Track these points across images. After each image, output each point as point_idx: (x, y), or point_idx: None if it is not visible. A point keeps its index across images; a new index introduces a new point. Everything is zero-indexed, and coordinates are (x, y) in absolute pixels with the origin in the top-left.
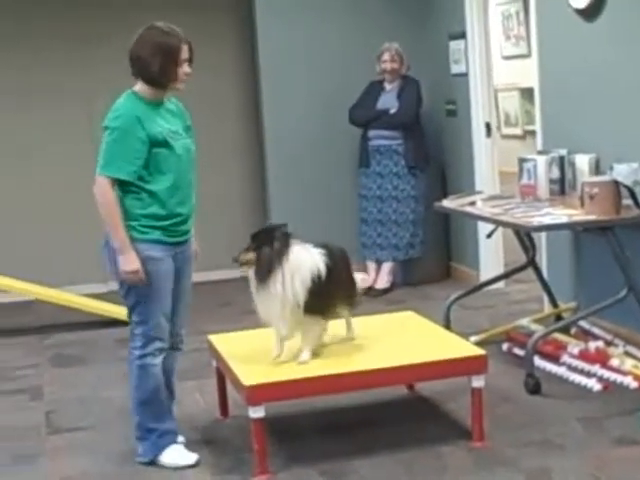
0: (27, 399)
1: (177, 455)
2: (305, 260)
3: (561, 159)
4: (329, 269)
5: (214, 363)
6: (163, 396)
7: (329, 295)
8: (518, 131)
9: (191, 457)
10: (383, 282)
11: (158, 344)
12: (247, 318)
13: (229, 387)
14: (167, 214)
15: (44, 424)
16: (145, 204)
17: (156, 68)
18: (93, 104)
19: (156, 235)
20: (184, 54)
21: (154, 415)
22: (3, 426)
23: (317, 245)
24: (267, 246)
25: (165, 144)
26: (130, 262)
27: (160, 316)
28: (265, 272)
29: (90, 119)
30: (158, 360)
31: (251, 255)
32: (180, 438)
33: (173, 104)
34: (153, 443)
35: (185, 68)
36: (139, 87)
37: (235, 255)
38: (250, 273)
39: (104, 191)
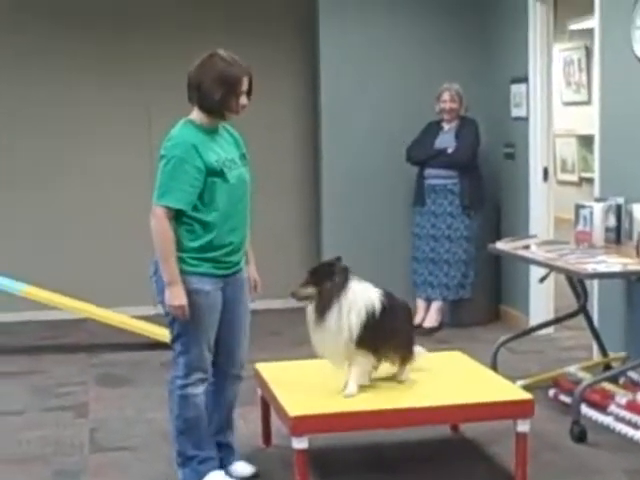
0: (72, 416)
1: None
2: (362, 295)
3: (618, 207)
4: (384, 308)
5: (259, 392)
6: (204, 425)
7: (382, 333)
8: (574, 178)
9: None
10: (432, 321)
11: (200, 375)
12: (295, 349)
13: (273, 417)
14: (218, 244)
15: (87, 442)
16: (197, 235)
17: (217, 98)
18: (152, 121)
19: (205, 268)
20: (244, 85)
21: (194, 443)
22: (47, 441)
23: (381, 289)
24: (328, 280)
25: (221, 173)
26: (177, 297)
27: (203, 347)
28: (326, 306)
29: (149, 137)
30: (199, 390)
31: (310, 290)
32: (250, 469)
33: (229, 132)
34: (193, 469)
35: (243, 100)
36: (195, 114)
37: (294, 290)
38: (308, 307)
39: (160, 221)
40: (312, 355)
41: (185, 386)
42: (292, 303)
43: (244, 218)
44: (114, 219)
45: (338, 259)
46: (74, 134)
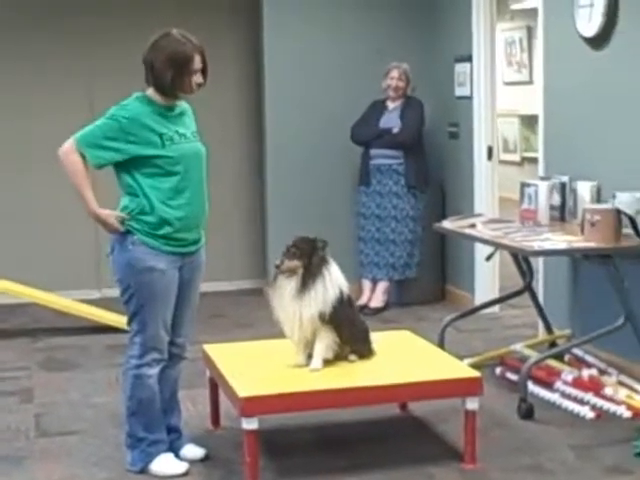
0: (17, 401)
1: (167, 464)
2: (338, 273)
3: (562, 185)
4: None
5: (207, 373)
6: (156, 407)
7: (346, 315)
8: (516, 157)
9: (181, 466)
10: (378, 301)
11: (155, 355)
12: (239, 331)
13: (221, 398)
14: (167, 219)
15: (33, 427)
16: (145, 209)
17: (168, 78)
18: (95, 106)
19: (159, 243)
20: (197, 64)
21: (145, 425)
22: None
23: None
24: (315, 254)
25: (164, 146)
26: (107, 225)
27: (159, 327)
28: (313, 278)
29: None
30: (154, 371)
31: (296, 262)
32: (200, 451)
33: (183, 108)
34: (142, 451)
35: (197, 78)
36: (151, 92)
37: (277, 262)
38: (282, 281)
39: (68, 154)
40: (257, 336)
41: (140, 366)
42: (234, 285)
43: (198, 194)
44: (57, 202)
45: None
46: (14, 118)
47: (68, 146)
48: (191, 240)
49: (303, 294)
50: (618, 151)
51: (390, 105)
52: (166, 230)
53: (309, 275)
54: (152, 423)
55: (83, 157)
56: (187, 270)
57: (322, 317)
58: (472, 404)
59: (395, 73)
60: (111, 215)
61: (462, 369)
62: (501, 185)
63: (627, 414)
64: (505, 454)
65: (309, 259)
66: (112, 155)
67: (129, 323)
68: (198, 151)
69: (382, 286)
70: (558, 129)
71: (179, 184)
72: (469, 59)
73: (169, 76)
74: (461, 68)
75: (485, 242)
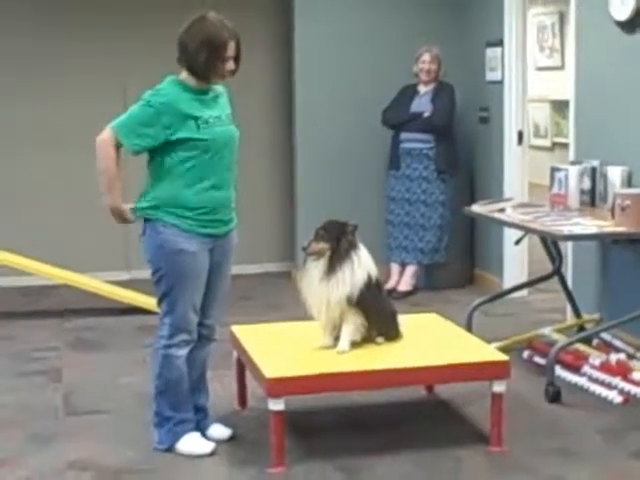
0: (46, 381)
1: (193, 443)
2: (367, 257)
3: (593, 170)
4: (377, 278)
5: (235, 354)
6: (184, 387)
7: (374, 299)
8: (547, 143)
9: (207, 446)
10: (406, 285)
11: (184, 336)
12: (267, 313)
13: (248, 379)
14: (200, 199)
15: (62, 406)
16: (177, 191)
17: (202, 61)
18: (128, 90)
19: (189, 225)
20: (230, 51)
21: (172, 404)
22: (21, 406)
23: None
24: (343, 237)
25: (199, 129)
26: (125, 220)
27: (188, 308)
28: (340, 261)
29: (124, 106)
30: (182, 352)
31: (322, 245)
32: (226, 432)
33: (218, 92)
34: (169, 430)
35: (230, 65)
36: (184, 76)
37: (305, 244)
38: (310, 263)
39: (106, 144)
40: (285, 319)
41: (169, 346)
42: (263, 268)
43: (228, 176)
44: (89, 185)
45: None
46: (49, 102)
47: (105, 136)
48: (223, 221)
49: (331, 277)
50: None
51: (421, 89)
52: (196, 212)
53: (337, 258)
54: (179, 402)
55: (119, 145)
56: (218, 253)
57: (350, 300)
58: (499, 387)
59: (427, 57)
60: (127, 210)
61: (489, 352)
62: (531, 170)
63: None
64: (532, 437)
65: (337, 242)
66: (149, 141)
67: (159, 304)
68: (232, 134)
69: (411, 270)
70: (589, 114)
71: (210, 166)
72: (500, 44)
73: (202, 59)
74: (492, 53)
75: (514, 226)
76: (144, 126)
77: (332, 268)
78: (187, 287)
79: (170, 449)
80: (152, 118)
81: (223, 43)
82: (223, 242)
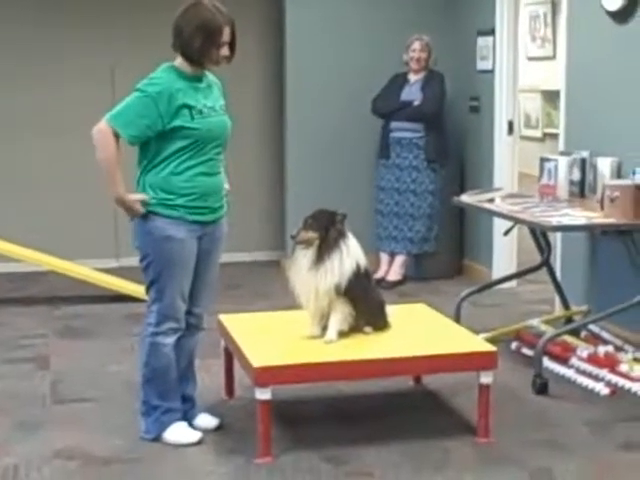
0: (34, 368)
1: (180, 433)
2: (356, 246)
3: (583, 161)
4: (366, 267)
5: (222, 343)
6: (171, 376)
7: (362, 288)
8: (538, 133)
9: (194, 435)
10: (395, 274)
11: (172, 324)
12: (255, 302)
13: (236, 368)
14: (190, 187)
15: (49, 394)
16: (167, 179)
17: (196, 46)
18: (116, 75)
19: (179, 213)
20: (225, 36)
21: (159, 392)
22: (8, 393)
23: None
24: (332, 226)
25: (193, 119)
26: (130, 210)
27: (176, 296)
28: (329, 250)
29: (112, 93)
30: (170, 340)
31: (311, 234)
32: (213, 421)
33: (210, 80)
34: (156, 419)
35: (224, 50)
36: (179, 62)
37: (293, 233)
38: (299, 252)
39: (103, 135)
40: (273, 308)
41: (156, 334)
42: (252, 257)
43: (219, 164)
44: (77, 172)
45: (336, 211)
46: (36, 87)
47: (102, 126)
48: (212, 208)
49: (319, 266)
50: (639, 127)
51: (412, 78)
52: (186, 199)
53: (325, 247)
54: (167, 391)
55: (117, 136)
56: (207, 240)
57: (338, 289)
58: (486, 378)
59: (417, 45)
60: (137, 200)
61: (477, 343)
62: (522, 161)
63: None
64: (519, 429)
65: (326, 231)
66: (145, 131)
67: (147, 291)
68: (224, 124)
69: (400, 260)
70: (580, 104)
71: (201, 154)
72: (492, 33)
73: (197, 44)
74: (483, 42)
75: (503, 217)
76: (141, 116)
77: (321, 257)
78: (175, 274)
79: (157, 438)
80: (149, 108)
81: (218, 28)
82: (212, 230)
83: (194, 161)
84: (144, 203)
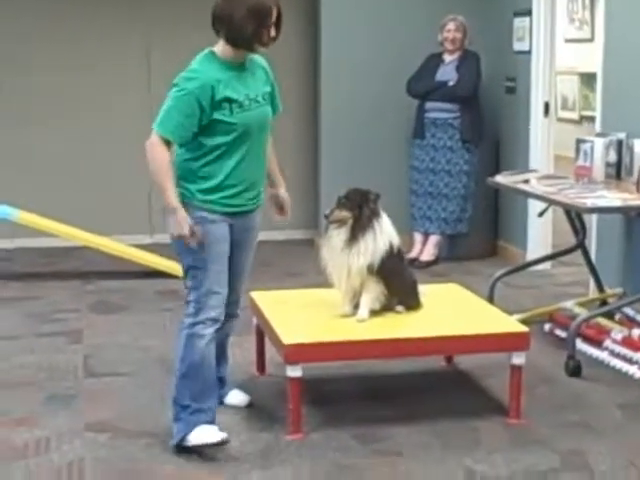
0: (66, 342)
1: (205, 434)
2: (389, 226)
3: (619, 142)
4: (399, 247)
5: (254, 320)
6: (207, 374)
7: (396, 268)
8: (574, 115)
9: (218, 435)
10: (429, 254)
11: (211, 313)
12: (287, 280)
13: (267, 345)
14: (226, 181)
15: (81, 367)
16: (202, 167)
17: (249, 31)
18: (151, 54)
19: (212, 205)
20: (274, 17)
21: (192, 393)
22: (41, 366)
23: None
24: (365, 206)
25: (235, 112)
26: (177, 225)
27: (214, 283)
28: (363, 229)
29: (148, 72)
30: (208, 331)
31: (345, 213)
32: (245, 398)
33: (257, 64)
34: (184, 420)
35: (272, 32)
36: (221, 48)
37: (327, 212)
38: (332, 231)
39: (153, 147)
40: (306, 286)
41: (194, 324)
42: (286, 235)
43: (260, 158)
44: (112, 149)
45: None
46: (72, 68)
47: (154, 139)
48: (247, 199)
49: (352, 245)
50: None
51: (447, 58)
52: (222, 193)
53: (359, 227)
54: (201, 392)
55: (168, 142)
56: (237, 231)
57: (370, 269)
58: (518, 359)
59: (452, 25)
60: (186, 218)
61: (510, 323)
62: (559, 143)
63: None
64: (551, 411)
65: (359, 210)
66: (193, 129)
67: (184, 279)
68: (265, 116)
69: (433, 240)
70: (617, 86)
71: (239, 145)
72: (529, 13)
73: (250, 29)
74: (520, 22)
75: (538, 198)
76: (186, 117)
77: (354, 236)
78: (210, 256)
79: (182, 441)
80: (192, 106)
81: (269, 10)
82: (242, 220)
83: (232, 153)
84: (191, 232)
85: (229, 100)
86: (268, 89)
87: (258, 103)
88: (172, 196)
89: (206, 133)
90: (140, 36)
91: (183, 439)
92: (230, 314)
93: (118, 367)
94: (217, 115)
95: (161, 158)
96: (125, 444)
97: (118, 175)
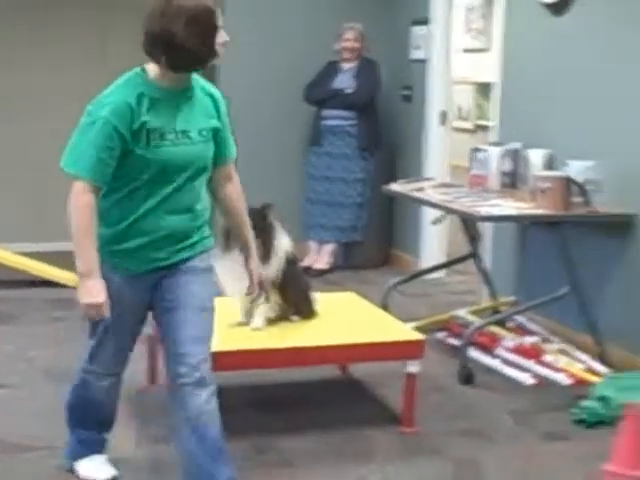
0: None
1: (93, 467)
2: (284, 236)
3: (515, 152)
4: (293, 257)
5: (144, 329)
6: (95, 412)
7: (291, 275)
8: (469, 125)
9: (107, 472)
10: (323, 263)
11: (99, 368)
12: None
13: (161, 354)
14: (131, 232)
15: None
16: (110, 218)
17: (198, 47)
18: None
19: (115, 260)
20: (219, 19)
21: (79, 421)
22: None
23: None
24: (259, 221)
25: (157, 142)
26: (90, 293)
27: (106, 338)
28: (264, 246)
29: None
30: (102, 384)
31: None
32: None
33: (204, 92)
34: (72, 446)
35: (221, 36)
36: (154, 68)
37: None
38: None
39: (80, 196)
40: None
41: (84, 371)
42: None
43: (188, 208)
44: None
45: (267, 205)
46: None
47: (78, 188)
48: (162, 258)
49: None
50: (572, 119)
51: (345, 66)
52: (126, 245)
53: (259, 242)
54: (85, 422)
55: (97, 188)
56: (171, 278)
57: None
58: (413, 367)
59: (350, 35)
60: (103, 285)
61: (404, 332)
62: (454, 152)
63: (567, 382)
64: (444, 418)
65: (255, 229)
66: (114, 163)
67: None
68: (197, 156)
69: (328, 248)
70: (514, 96)
71: (142, 193)
72: (426, 22)
73: (198, 43)
74: (418, 31)
75: (433, 206)
76: (107, 149)
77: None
78: (109, 321)
79: (71, 469)
80: (112, 137)
81: (212, 12)
82: (170, 272)
83: (146, 198)
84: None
85: (147, 128)
86: (214, 124)
87: (190, 139)
88: (92, 257)
89: (119, 168)
90: (97, 37)
91: (72, 463)
92: (183, 380)
93: (2, 378)
94: (131, 146)
95: (88, 207)
96: (9, 458)
97: (3, 181)
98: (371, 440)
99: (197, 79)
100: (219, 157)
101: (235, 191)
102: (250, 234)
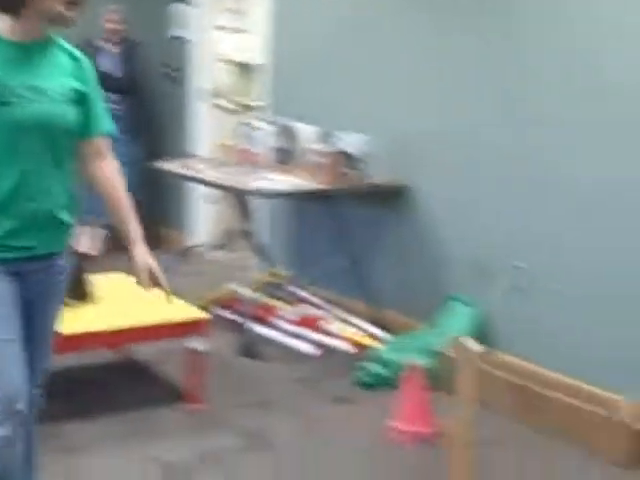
0: None
1: None
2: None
3: (286, 128)
4: None
5: None
6: None
7: None
8: (231, 104)
9: None
10: (88, 246)
11: None
12: None
13: None
14: None
15: None
16: None
17: None
18: None
19: None
20: None
21: None
22: None
23: None
24: None
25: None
26: None
27: None
28: None
29: None
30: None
31: None
32: None
33: (65, 51)
34: None
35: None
36: (2, 23)
37: None
38: None
39: None
40: None
41: None
42: None
43: (54, 179)
44: None
45: None
46: None
47: None
48: (27, 247)
49: None
50: (344, 94)
51: (107, 47)
52: None
53: None
54: None
55: None
56: (28, 287)
57: None
58: (197, 344)
59: (112, 16)
60: None
61: (186, 310)
62: (220, 131)
63: (347, 348)
64: (231, 393)
65: None
66: None
67: None
68: (59, 118)
69: (94, 231)
70: (284, 74)
71: (12, 164)
72: (186, 0)
73: None
74: (178, 9)
75: (204, 183)
76: None
77: None
78: None
79: None
80: None
81: None
82: (32, 267)
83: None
84: None
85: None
86: (76, 85)
87: (47, 97)
88: None
89: None
90: None
91: None
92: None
93: None
94: None
95: None
96: None
97: None
98: (159, 419)
99: (60, 40)
100: (87, 128)
101: (108, 170)
102: (126, 210)
